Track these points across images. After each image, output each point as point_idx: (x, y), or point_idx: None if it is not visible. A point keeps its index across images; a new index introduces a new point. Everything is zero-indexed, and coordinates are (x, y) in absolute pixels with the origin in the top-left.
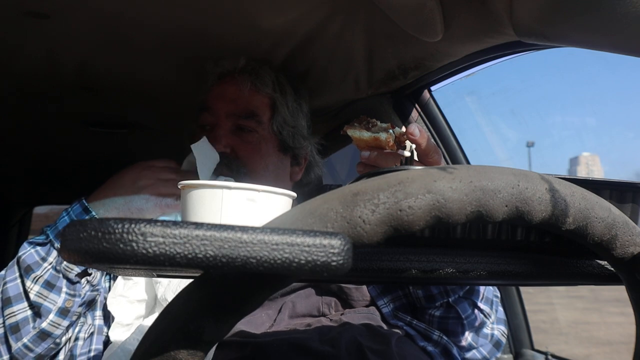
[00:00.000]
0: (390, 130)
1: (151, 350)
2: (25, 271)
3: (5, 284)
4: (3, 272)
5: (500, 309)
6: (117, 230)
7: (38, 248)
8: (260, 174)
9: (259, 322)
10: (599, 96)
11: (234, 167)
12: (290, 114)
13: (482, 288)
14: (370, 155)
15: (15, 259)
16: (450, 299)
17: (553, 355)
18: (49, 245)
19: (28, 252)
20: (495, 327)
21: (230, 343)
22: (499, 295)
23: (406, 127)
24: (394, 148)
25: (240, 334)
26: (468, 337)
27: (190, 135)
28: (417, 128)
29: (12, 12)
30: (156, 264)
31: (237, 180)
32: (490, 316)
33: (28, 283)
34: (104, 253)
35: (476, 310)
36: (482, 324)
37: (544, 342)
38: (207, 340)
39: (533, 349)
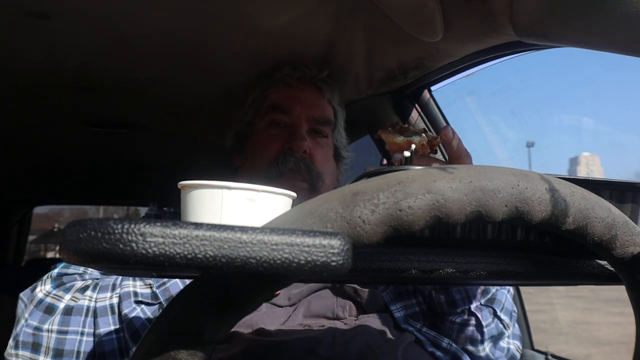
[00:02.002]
0: (423, 134)
1: (151, 351)
2: (131, 337)
3: (99, 335)
4: (85, 299)
5: (517, 325)
6: (116, 231)
7: (144, 308)
8: (326, 178)
9: (274, 315)
10: (599, 96)
11: (312, 169)
12: (342, 127)
13: (502, 298)
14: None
15: (112, 307)
16: (471, 306)
17: (553, 355)
18: (157, 307)
19: (135, 313)
20: (512, 342)
21: (241, 336)
22: (516, 310)
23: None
24: (428, 151)
25: (255, 331)
26: (486, 348)
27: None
28: (451, 131)
29: (12, 13)
30: (156, 264)
31: (309, 182)
32: (509, 327)
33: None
34: (104, 253)
35: (496, 320)
36: (501, 335)
37: (544, 342)
38: (207, 340)
39: (533, 349)
